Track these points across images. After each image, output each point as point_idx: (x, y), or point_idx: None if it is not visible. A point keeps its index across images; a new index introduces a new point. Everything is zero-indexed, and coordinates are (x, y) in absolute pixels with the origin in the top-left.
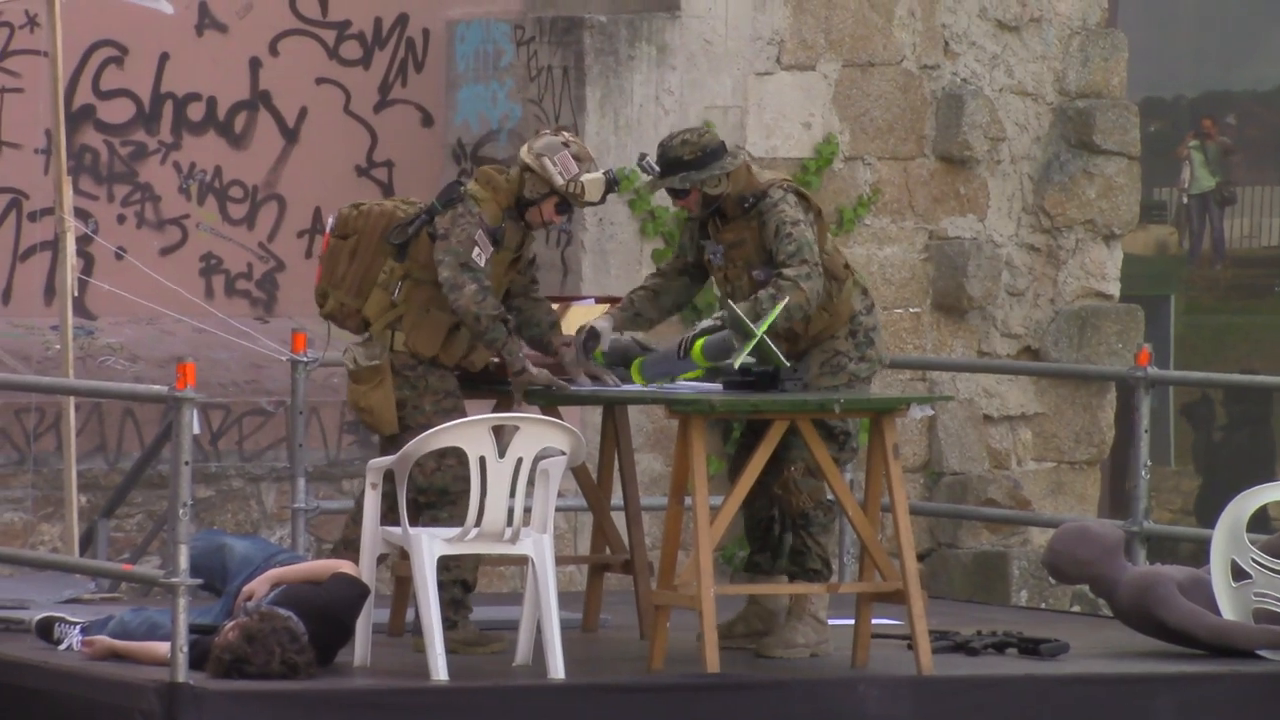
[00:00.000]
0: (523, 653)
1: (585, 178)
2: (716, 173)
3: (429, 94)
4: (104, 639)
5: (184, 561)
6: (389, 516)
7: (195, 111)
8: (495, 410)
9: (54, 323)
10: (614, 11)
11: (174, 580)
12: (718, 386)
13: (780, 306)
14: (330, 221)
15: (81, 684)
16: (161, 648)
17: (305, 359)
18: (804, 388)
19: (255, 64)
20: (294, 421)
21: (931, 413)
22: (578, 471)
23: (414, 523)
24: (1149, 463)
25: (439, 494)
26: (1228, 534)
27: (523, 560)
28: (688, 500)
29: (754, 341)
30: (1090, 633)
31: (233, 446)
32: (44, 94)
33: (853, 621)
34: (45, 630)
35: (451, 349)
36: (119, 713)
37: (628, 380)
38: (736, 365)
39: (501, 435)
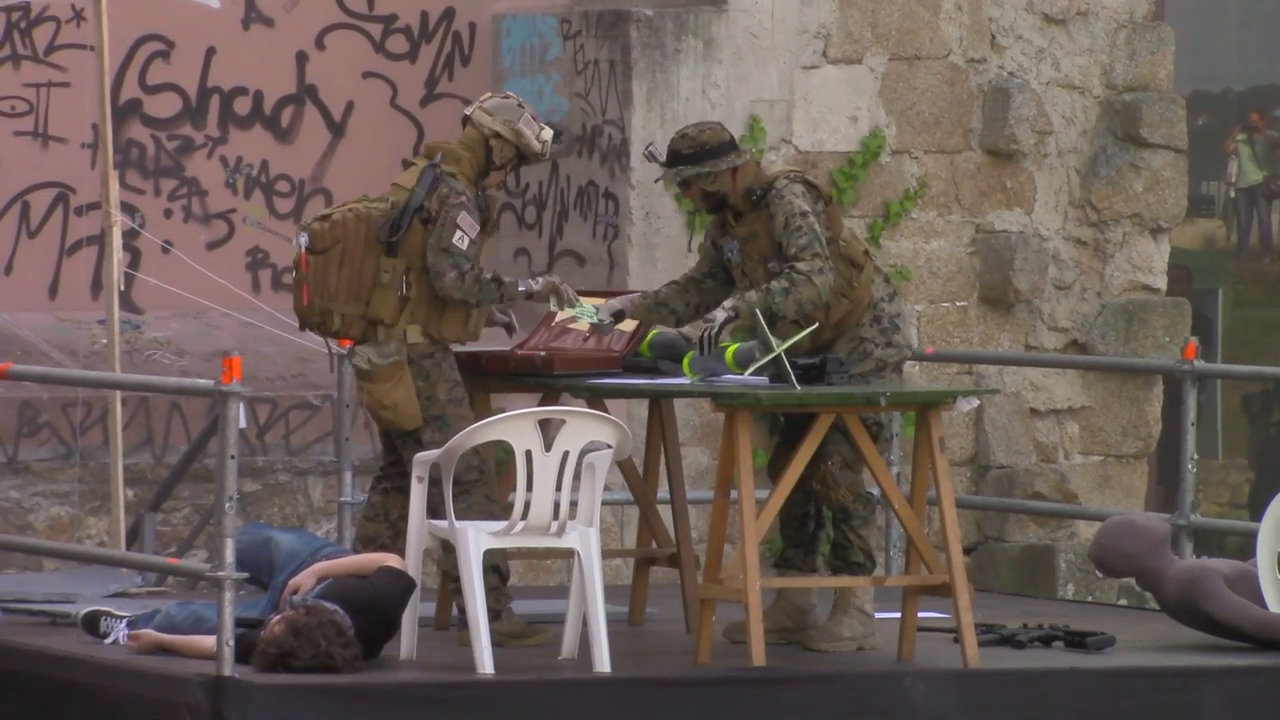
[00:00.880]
0: (569, 646)
1: (545, 134)
2: (708, 170)
3: (475, 88)
4: (150, 633)
5: (230, 555)
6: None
7: (242, 105)
8: (542, 403)
9: (100, 317)
10: (660, 5)
11: (220, 574)
12: (764, 380)
13: (808, 332)
14: (303, 240)
15: (127, 678)
16: (207, 641)
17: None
18: (849, 380)
19: (302, 58)
20: (340, 415)
21: (978, 403)
22: (624, 465)
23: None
24: (1196, 456)
25: (453, 484)
26: (1275, 527)
27: (569, 554)
28: (734, 494)
29: (771, 355)
30: (1136, 626)
31: (279, 440)
32: (90, 88)
33: (899, 615)
34: (91, 624)
35: (471, 323)
36: (165, 707)
37: (678, 374)
38: (747, 374)
39: (548, 429)
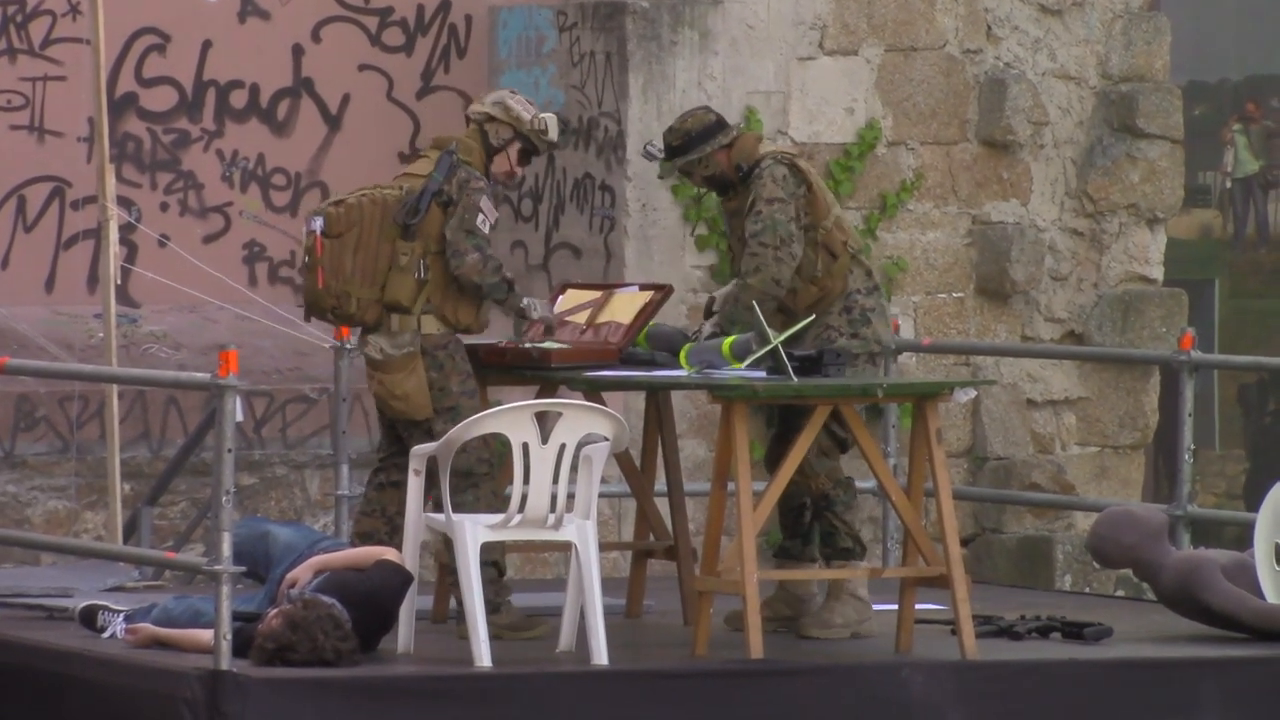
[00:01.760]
0: (566, 639)
1: (544, 115)
2: (695, 156)
3: (472, 80)
4: (147, 627)
5: (227, 549)
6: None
7: (238, 99)
8: (539, 396)
9: (97, 311)
10: None
11: (217, 568)
12: (761, 373)
13: (805, 324)
14: (316, 224)
15: (125, 672)
16: (205, 635)
17: (348, 346)
18: (844, 372)
19: (298, 51)
20: (337, 408)
21: (975, 394)
22: (621, 457)
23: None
24: (1193, 446)
25: (463, 476)
26: (1272, 517)
27: (566, 546)
28: (731, 486)
29: (769, 348)
30: (1134, 617)
31: (276, 434)
32: (86, 82)
33: (896, 607)
34: (89, 618)
35: (483, 310)
36: (162, 700)
37: (674, 366)
38: (744, 366)
39: (545, 421)
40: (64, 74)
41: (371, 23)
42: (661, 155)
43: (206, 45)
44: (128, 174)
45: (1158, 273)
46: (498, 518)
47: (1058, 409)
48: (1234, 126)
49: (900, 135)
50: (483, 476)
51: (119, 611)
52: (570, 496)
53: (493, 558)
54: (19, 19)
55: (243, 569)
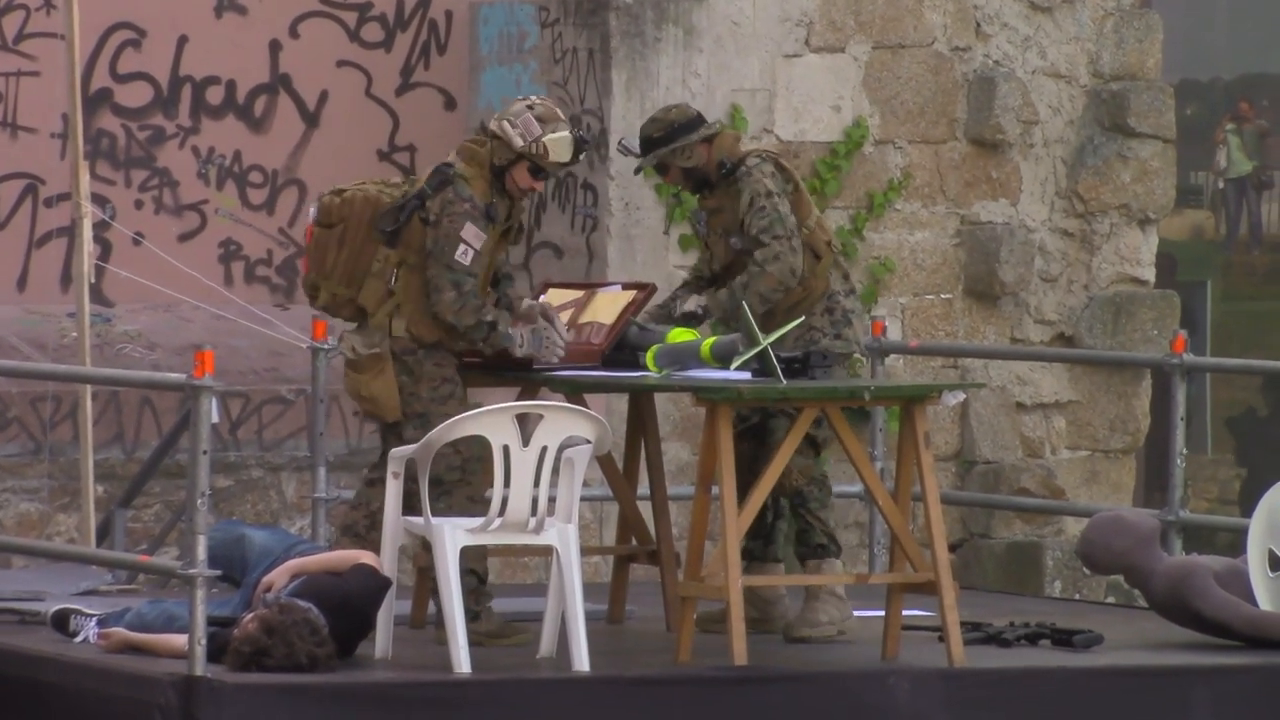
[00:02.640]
0: (547, 645)
1: (548, 138)
2: (680, 145)
3: (452, 77)
4: (121, 631)
5: (202, 552)
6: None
7: (214, 95)
8: (520, 398)
9: (70, 310)
10: None
11: (192, 571)
12: (741, 375)
13: (795, 324)
14: (312, 211)
15: (98, 677)
16: (179, 640)
17: (326, 346)
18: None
19: (275, 46)
20: (314, 410)
21: (963, 398)
22: (603, 461)
23: (406, 513)
24: (1185, 451)
25: (433, 484)
26: (1265, 523)
27: (547, 551)
28: (715, 490)
29: (758, 349)
30: (1125, 624)
31: (252, 435)
32: (60, 77)
33: (883, 613)
34: (61, 622)
35: (454, 334)
36: (136, 706)
37: (641, 367)
38: (733, 368)
39: (526, 423)
40: (38, 69)
41: (350, 18)
42: (636, 152)
43: (183, 40)
44: (102, 171)
45: (1149, 274)
46: (477, 521)
47: (1047, 412)
48: (1227, 126)
49: (888, 134)
50: (455, 484)
51: (92, 616)
52: (551, 500)
53: (471, 566)
54: None
55: (218, 573)
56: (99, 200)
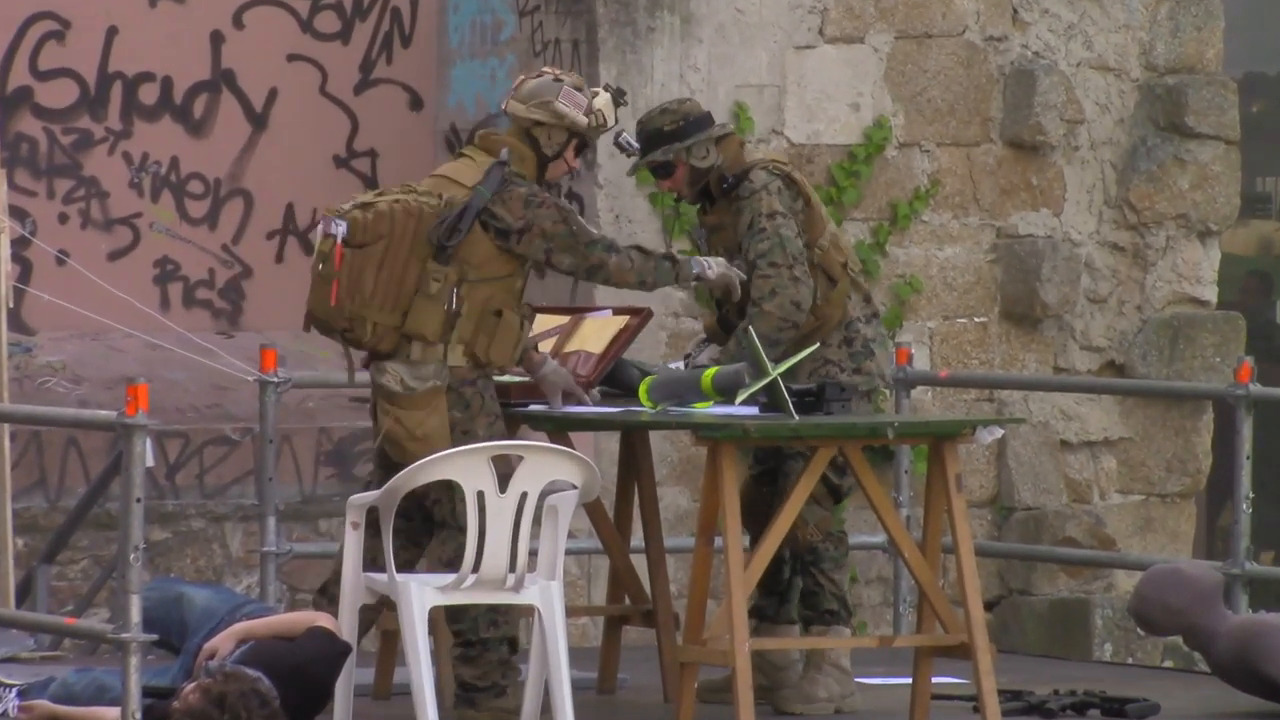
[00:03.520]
0: (528, 716)
1: (597, 102)
2: (701, 139)
3: (418, 73)
4: (44, 704)
5: (136, 614)
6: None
7: (148, 94)
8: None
9: None
10: None
11: (125, 636)
12: (747, 410)
13: (807, 353)
14: (338, 229)
15: None
16: (110, 713)
17: (276, 379)
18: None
19: (217, 39)
20: (263, 452)
21: (1001, 434)
22: (591, 508)
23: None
24: (1252, 494)
25: (441, 527)
26: None
27: (528, 611)
28: (718, 541)
29: (766, 380)
30: (1184, 691)
31: (192, 481)
32: None
33: (910, 680)
34: None
35: (519, 346)
36: None
37: (633, 401)
38: (738, 402)
39: (503, 466)
40: None
41: (302, 7)
42: (635, 147)
43: (112, 33)
44: (21, 180)
45: (1210, 294)
46: (449, 578)
47: (1095, 451)
48: None
49: (913, 135)
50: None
51: (11, 686)
52: (533, 554)
53: (511, 633)
54: None
55: (154, 637)
56: (17, 214)
